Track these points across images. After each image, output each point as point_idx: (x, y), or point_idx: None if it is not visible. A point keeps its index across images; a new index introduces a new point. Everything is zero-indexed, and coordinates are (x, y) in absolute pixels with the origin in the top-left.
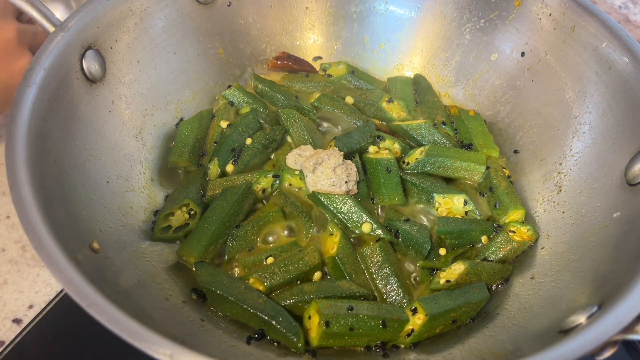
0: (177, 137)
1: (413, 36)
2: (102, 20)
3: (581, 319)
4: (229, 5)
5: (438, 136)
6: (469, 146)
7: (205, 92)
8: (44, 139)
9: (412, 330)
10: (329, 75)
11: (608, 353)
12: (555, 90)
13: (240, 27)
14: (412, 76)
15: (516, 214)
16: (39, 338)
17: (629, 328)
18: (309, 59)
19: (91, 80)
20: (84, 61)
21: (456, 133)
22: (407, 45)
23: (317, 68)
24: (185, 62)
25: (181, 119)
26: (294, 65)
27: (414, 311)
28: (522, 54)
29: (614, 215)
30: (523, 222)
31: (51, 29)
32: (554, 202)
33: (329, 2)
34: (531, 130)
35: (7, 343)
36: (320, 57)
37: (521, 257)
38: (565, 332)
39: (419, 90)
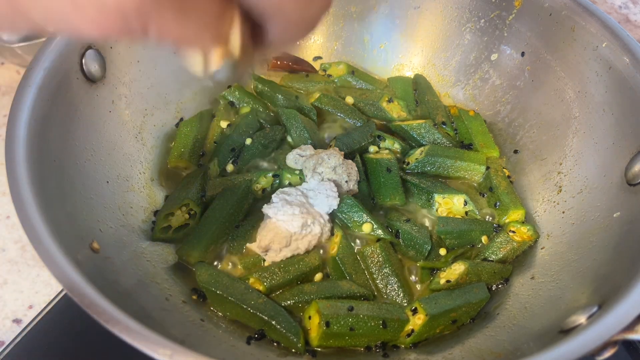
0: (177, 137)
1: (413, 36)
2: None
3: (581, 319)
4: None
5: (438, 136)
6: (469, 146)
7: (205, 92)
8: (44, 139)
9: (412, 330)
10: (329, 75)
11: (608, 353)
12: (555, 90)
13: None
14: (412, 76)
15: (516, 214)
16: (39, 338)
17: (629, 328)
18: (309, 59)
19: (91, 80)
20: (84, 61)
21: (456, 133)
22: (407, 45)
23: (317, 68)
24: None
25: (181, 119)
26: (294, 65)
27: (414, 311)
28: (522, 54)
29: (614, 215)
30: (523, 222)
31: None
32: (554, 202)
33: None
34: (531, 130)
35: (7, 343)
36: (320, 57)
37: (521, 257)
38: (566, 332)
39: (419, 90)
